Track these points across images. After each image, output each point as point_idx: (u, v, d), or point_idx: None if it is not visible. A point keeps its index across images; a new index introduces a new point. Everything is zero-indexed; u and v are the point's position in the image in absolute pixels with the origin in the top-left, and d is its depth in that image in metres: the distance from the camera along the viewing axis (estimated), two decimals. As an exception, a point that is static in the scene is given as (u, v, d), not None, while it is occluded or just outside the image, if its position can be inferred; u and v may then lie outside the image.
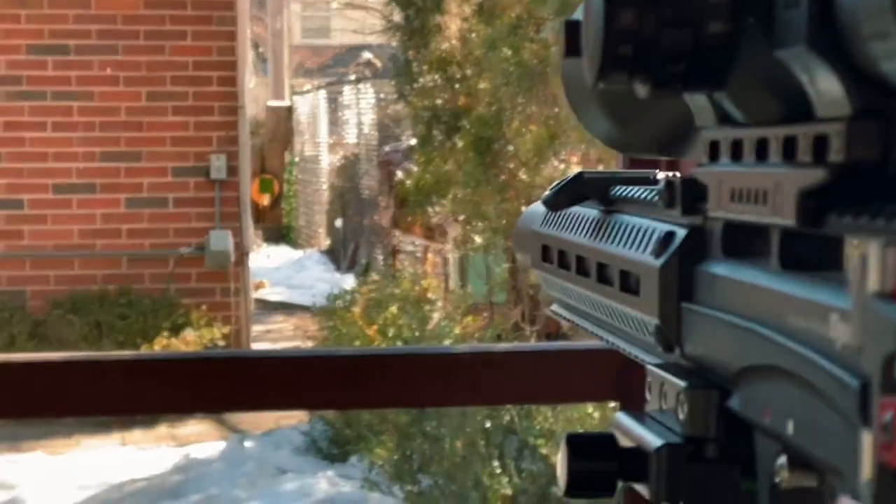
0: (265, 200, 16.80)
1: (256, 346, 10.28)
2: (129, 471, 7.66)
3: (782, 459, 0.58)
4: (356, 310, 8.11)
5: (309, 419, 8.02)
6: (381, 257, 12.64)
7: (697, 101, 0.66)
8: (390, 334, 7.39)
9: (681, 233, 0.70)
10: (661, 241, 0.71)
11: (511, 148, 7.77)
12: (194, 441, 8.26)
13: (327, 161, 15.96)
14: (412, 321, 7.41)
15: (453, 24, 8.40)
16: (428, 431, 6.30)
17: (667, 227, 0.71)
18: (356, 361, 2.18)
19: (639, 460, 0.67)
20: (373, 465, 6.87)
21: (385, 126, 13.34)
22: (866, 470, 0.47)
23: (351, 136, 14.80)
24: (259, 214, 15.84)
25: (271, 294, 13.60)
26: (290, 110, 17.66)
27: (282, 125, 17.27)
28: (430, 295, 8.10)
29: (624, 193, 0.80)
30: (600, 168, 7.26)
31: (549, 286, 0.95)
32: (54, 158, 9.23)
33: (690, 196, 0.69)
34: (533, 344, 6.72)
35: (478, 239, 8.44)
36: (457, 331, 7.37)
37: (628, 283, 0.75)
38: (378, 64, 15.95)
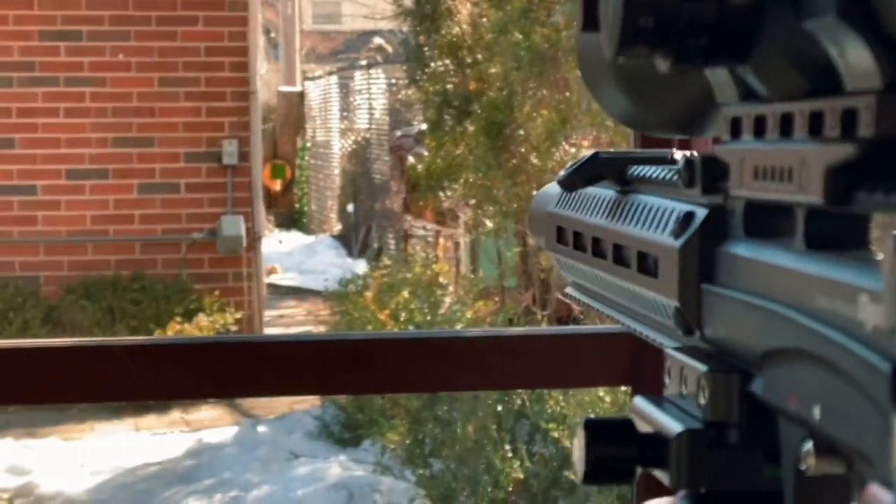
0: (277, 186, 16.80)
1: (269, 330, 10.28)
2: (143, 456, 7.66)
3: (808, 445, 0.56)
4: (368, 294, 8.11)
5: (321, 404, 8.03)
6: (392, 242, 12.64)
7: (719, 76, 0.64)
8: (402, 319, 7.39)
9: (701, 212, 0.68)
10: (680, 222, 0.69)
11: (522, 132, 7.75)
12: (207, 426, 8.26)
13: (339, 146, 15.95)
14: (424, 306, 7.40)
15: (464, 9, 8.38)
16: (440, 415, 6.30)
17: (686, 207, 0.69)
18: (368, 346, 2.17)
19: (658, 446, 0.65)
20: (385, 449, 6.88)
21: (396, 111, 13.33)
22: (899, 457, 0.45)
23: (362, 122, 14.79)
24: (271, 199, 15.85)
25: (283, 279, 13.61)
26: (301, 96, 17.65)
27: (293, 110, 17.26)
28: (441, 279, 8.10)
29: (641, 173, 0.79)
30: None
31: (563, 268, 0.94)
32: (67, 144, 9.23)
33: (711, 174, 0.67)
34: (545, 328, 6.71)
35: (489, 223, 8.43)
36: (468, 315, 7.36)
37: (646, 265, 0.74)
38: (389, 49, 15.93)
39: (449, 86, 8.50)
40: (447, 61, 8.50)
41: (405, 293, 7.63)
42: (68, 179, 9.25)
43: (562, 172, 0.87)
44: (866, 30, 0.50)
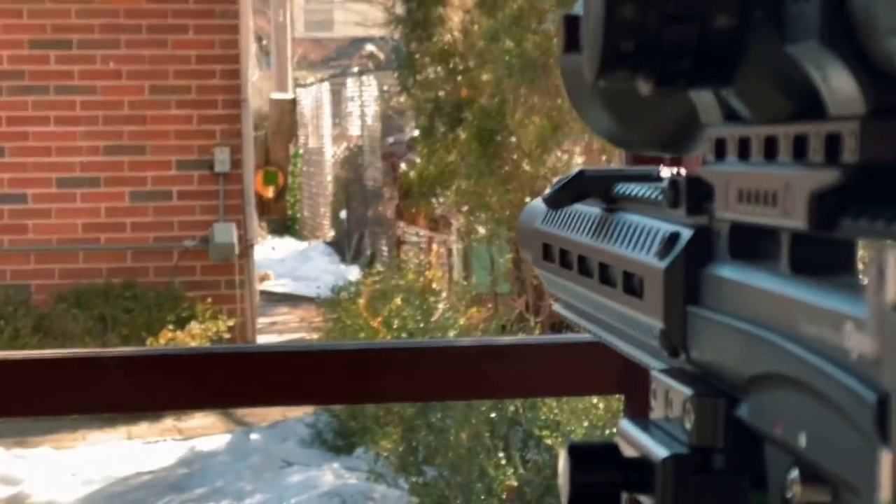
0: (269, 192, 16.79)
1: (262, 338, 10.27)
2: (135, 464, 7.65)
3: (794, 473, 0.55)
4: (361, 301, 8.10)
5: (314, 411, 8.01)
6: (385, 248, 12.63)
7: (703, 98, 0.63)
8: (395, 326, 7.38)
9: (686, 233, 0.67)
10: (665, 242, 0.68)
11: (514, 139, 7.75)
12: (200, 434, 8.25)
13: (331, 153, 15.95)
14: (417, 313, 7.39)
15: (455, 16, 8.38)
16: (433, 423, 6.29)
17: (671, 228, 0.69)
18: (361, 356, 2.16)
19: (644, 471, 0.65)
20: (378, 456, 6.86)
21: (388, 118, 13.33)
22: (885, 491, 0.45)
23: (354, 128, 14.79)
24: (263, 206, 15.84)
25: (276, 286, 13.59)
26: (293, 103, 17.65)
27: (285, 118, 17.26)
28: (434, 286, 8.09)
29: (627, 191, 0.78)
30: (603, 159, 7.24)
31: (550, 285, 0.93)
32: (58, 153, 9.22)
33: (696, 195, 0.66)
34: (537, 336, 6.70)
35: (481, 230, 8.43)
36: (461, 322, 7.36)
37: (632, 285, 0.73)
38: (381, 56, 15.93)
39: (441, 93, 8.51)
40: (439, 68, 8.51)
41: (398, 300, 7.62)
42: (59, 188, 9.23)
43: (547, 190, 0.86)
44: (849, 55, 0.49)
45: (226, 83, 9.42)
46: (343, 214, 15.18)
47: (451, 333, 7.12)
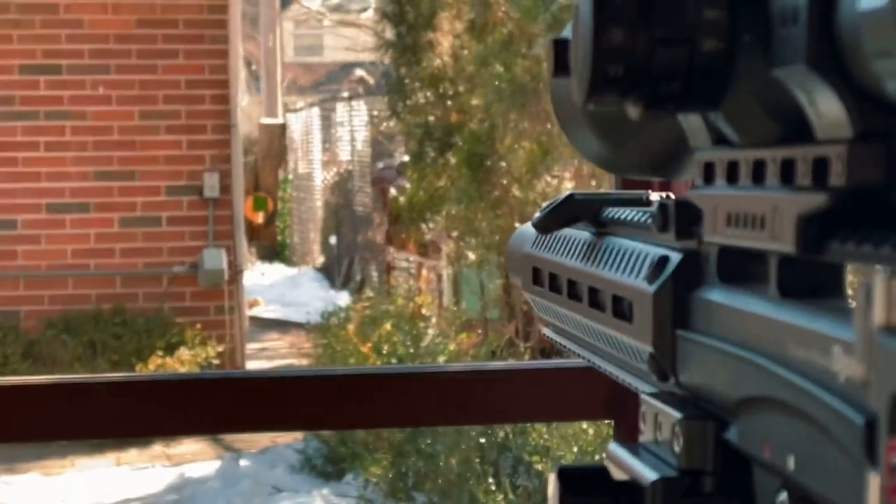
0: (259, 218, 16.78)
1: (251, 364, 10.24)
2: (124, 491, 7.62)
3: (783, 496, 0.55)
4: (350, 327, 8.09)
5: (304, 437, 7.99)
6: (375, 274, 12.62)
7: (692, 122, 0.64)
8: (384, 351, 7.37)
9: (675, 257, 0.67)
10: (654, 266, 0.68)
11: (504, 164, 7.76)
12: (189, 460, 8.22)
13: (321, 178, 15.95)
14: (406, 338, 7.39)
15: (445, 41, 8.40)
16: (423, 448, 6.28)
17: (660, 252, 0.69)
18: (350, 381, 2.15)
19: (633, 494, 0.65)
20: (368, 482, 6.85)
21: (378, 143, 13.34)
22: (874, 514, 0.45)
23: (344, 154, 14.79)
24: (253, 232, 15.82)
25: (266, 312, 13.57)
26: (283, 128, 17.65)
27: (275, 143, 17.26)
28: (424, 311, 8.08)
29: (616, 216, 0.78)
30: (593, 184, 7.25)
31: (540, 310, 0.93)
32: (47, 178, 9.21)
33: (685, 219, 0.66)
34: (527, 362, 6.70)
35: (471, 255, 8.43)
36: (451, 347, 7.35)
37: (621, 309, 0.73)
38: (370, 81, 15.95)
39: (430, 118, 8.52)
40: (429, 93, 8.51)
41: (388, 326, 7.61)
42: (49, 213, 9.22)
43: (536, 214, 0.87)
44: (836, 79, 0.49)
45: (215, 108, 9.42)
46: (333, 240, 15.18)
47: (441, 359, 7.12)
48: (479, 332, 8.45)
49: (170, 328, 9.22)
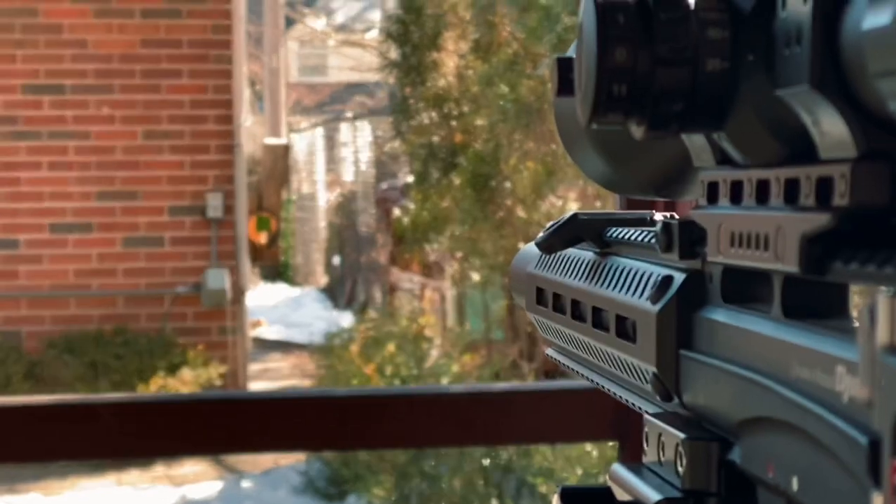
0: (262, 238, 16.78)
1: (254, 385, 10.24)
2: (126, 511, 7.61)
3: (787, 517, 0.55)
4: (354, 348, 8.09)
5: (306, 458, 7.99)
6: (378, 294, 12.62)
7: (695, 142, 0.64)
8: (388, 373, 7.37)
9: (679, 277, 0.67)
10: (658, 286, 0.68)
11: (508, 184, 7.76)
12: (191, 481, 8.21)
13: (324, 199, 15.96)
14: (410, 359, 7.39)
15: (450, 61, 8.41)
16: (426, 470, 6.27)
17: (664, 272, 0.69)
18: (353, 402, 2.16)
19: (637, 515, 0.65)
20: (370, 504, 6.84)
21: (382, 163, 13.35)
22: (878, 534, 0.45)
23: (348, 174, 14.80)
24: (256, 252, 15.83)
25: (269, 332, 13.57)
26: (287, 148, 17.67)
27: (279, 163, 17.28)
28: (427, 332, 8.08)
29: (620, 235, 0.78)
30: (598, 204, 7.25)
31: (543, 330, 0.93)
32: (50, 198, 9.22)
33: (688, 239, 0.66)
34: (530, 383, 6.69)
35: (475, 276, 8.43)
36: (455, 368, 7.35)
37: (625, 329, 0.73)
38: (368, 104, 15.97)
39: (435, 138, 8.52)
40: (433, 113, 8.52)
41: (391, 346, 7.61)
42: (51, 233, 9.23)
43: (540, 234, 0.87)
44: (840, 99, 0.50)
45: (219, 128, 9.43)
46: (336, 260, 15.18)
47: (445, 380, 7.12)
48: (483, 353, 8.44)
49: (172, 349, 9.22)
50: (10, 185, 9.15)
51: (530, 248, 0.94)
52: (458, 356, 7.71)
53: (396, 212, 11.20)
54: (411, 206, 9.45)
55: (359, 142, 14.23)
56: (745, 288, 0.62)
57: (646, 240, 0.73)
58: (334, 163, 15.57)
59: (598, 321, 0.78)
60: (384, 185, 12.91)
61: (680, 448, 0.63)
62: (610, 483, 0.68)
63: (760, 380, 0.56)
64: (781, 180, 0.55)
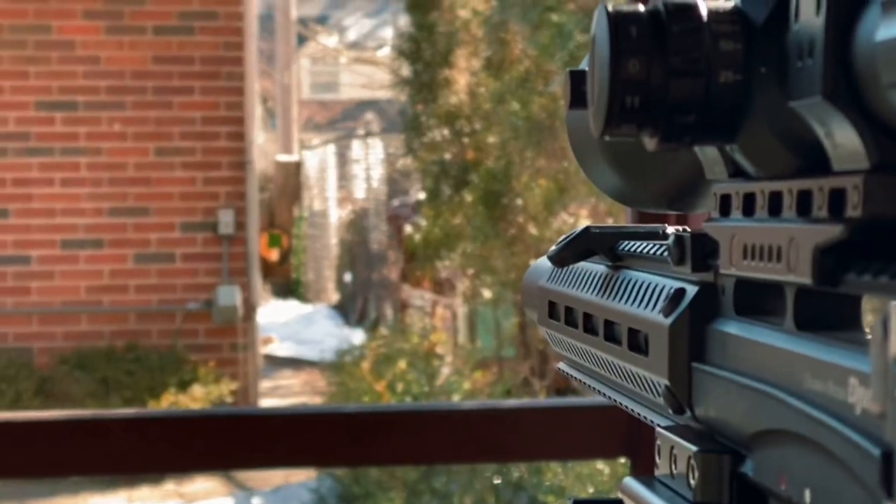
0: (274, 255, 16.79)
1: (264, 402, 10.24)
2: (137, 528, 7.61)
3: (800, 529, 0.55)
4: (365, 365, 8.08)
5: (317, 475, 7.98)
6: (390, 311, 12.62)
7: (708, 154, 0.64)
8: (399, 390, 7.36)
9: (691, 290, 0.67)
10: (670, 299, 0.68)
11: (520, 202, 7.77)
12: (202, 498, 8.21)
13: (336, 216, 15.98)
14: (421, 376, 7.38)
15: (461, 78, 8.42)
16: (437, 488, 6.26)
17: (677, 284, 0.69)
18: (364, 418, 2.15)
19: (649, 528, 0.65)
20: (381, 521, 6.82)
21: (394, 180, 13.37)
22: (890, 546, 0.44)
23: (360, 191, 14.82)
24: (268, 269, 15.84)
25: (280, 349, 13.57)
26: (298, 165, 17.69)
27: (290, 180, 17.30)
28: (438, 350, 8.08)
29: (632, 249, 0.78)
30: (609, 221, 7.25)
31: (555, 344, 0.93)
32: (62, 214, 9.23)
33: (701, 252, 0.66)
34: (541, 400, 6.68)
35: (487, 293, 8.43)
36: (466, 386, 7.34)
37: (637, 342, 0.73)
38: (380, 124, 15.99)
39: (446, 155, 8.53)
40: (445, 130, 8.53)
41: (402, 364, 7.61)
42: (63, 249, 9.24)
43: (552, 247, 0.87)
44: (853, 111, 0.50)
45: (231, 145, 9.44)
46: (348, 277, 15.19)
47: (456, 397, 7.11)
48: (495, 370, 8.43)
49: (183, 365, 9.22)
50: (23, 201, 9.17)
51: (542, 262, 0.94)
52: (470, 373, 7.70)
53: (408, 229, 11.21)
54: (423, 223, 9.45)
55: (370, 159, 14.25)
56: (757, 300, 0.62)
57: (658, 253, 0.73)
58: (346, 180, 15.59)
59: (611, 334, 0.78)
60: (396, 202, 12.92)
61: (692, 461, 0.63)
62: (622, 496, 0.68)
63: (773, 392, 0.56)
64: (794, 192, 0.55)
